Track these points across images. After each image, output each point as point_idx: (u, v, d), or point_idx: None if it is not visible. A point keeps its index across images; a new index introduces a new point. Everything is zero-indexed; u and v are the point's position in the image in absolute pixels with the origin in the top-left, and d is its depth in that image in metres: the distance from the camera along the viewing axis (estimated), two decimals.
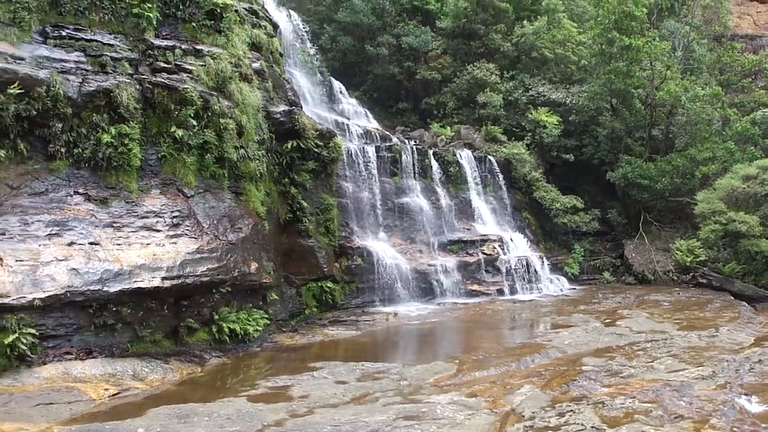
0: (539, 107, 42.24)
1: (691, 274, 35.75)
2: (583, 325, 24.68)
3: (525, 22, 45.86)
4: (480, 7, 45.76)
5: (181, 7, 23.98)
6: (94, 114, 20.43)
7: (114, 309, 18.88)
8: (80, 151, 19.99)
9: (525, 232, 38.51)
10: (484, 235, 35.39)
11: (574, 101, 42.57)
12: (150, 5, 22.78)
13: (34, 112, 18.95)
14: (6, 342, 16.71)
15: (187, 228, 21.28)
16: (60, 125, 19.64)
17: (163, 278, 19.62)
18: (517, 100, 43.19)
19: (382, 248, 31.31)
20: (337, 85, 40.52)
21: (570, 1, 50.21)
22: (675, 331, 23.44)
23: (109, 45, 21.64)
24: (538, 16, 46.09)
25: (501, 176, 39.23)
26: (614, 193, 41.63)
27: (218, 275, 21.25)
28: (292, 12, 38.38)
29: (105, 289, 18.49)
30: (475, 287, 33.06)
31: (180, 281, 20.03)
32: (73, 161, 19.98)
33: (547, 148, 41.58)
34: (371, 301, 29.69)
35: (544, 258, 36.66)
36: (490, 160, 39.21)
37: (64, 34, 20.85)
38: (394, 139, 36.91)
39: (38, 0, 20.49)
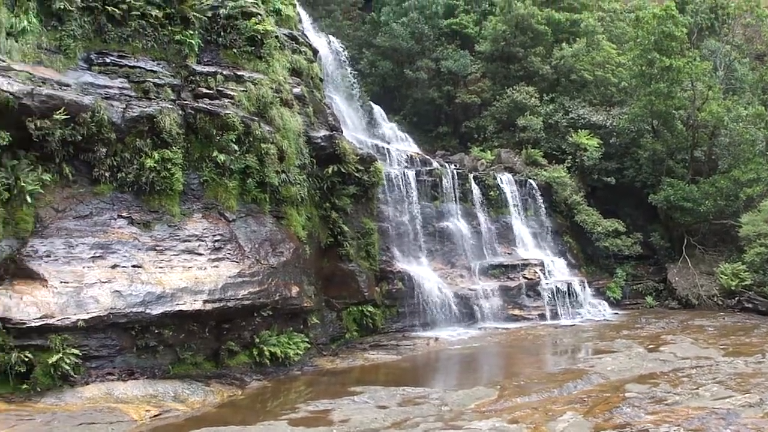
0: (579, 130, 41.98)
1: (736, 298, 35.09)
2: (626, 351, 24.41)
3: (564, 44, 45.75)
4: (518, 30, 45.73)
5: (222, 33, 24.37)
6: (137, 139, 20.82)
7: (156, 331, 19.10)
8: (124, 175, 20.38)
9: (566, 256, 38.23)
10: (525, 260, 35.21)
11: (614, 123, 42.27)
12: (192, 32, 23.19)
13: (80, 137, 19.37)
14: (50, 362, 17.00)
15: (228, 252, 21.49)
16: (104, 150, 20.04)
17: (205, 301, 19.82)
18: (557, 123, 43.01)
19: (423, 272, 31.26)
20: (377, 109, 40.63)
21: (609, 23, 50.00)
22: (720, 357, 23.08)
23: (152, 71, 22.06)
24: (577, 38, 45.96)
25: (542, 200, 39.02)
26: (656, 216, 41.17)
27: (259, 299, 21.39)
28: (331, 37, 38.62)
29: (147, 311, 18.74)
30: (516, 312, 32.87)
31: (221, 305, 20.21)
32: (117, 185, 20.38)
33: (588, 171, 41.32)
34: (412, 325, 29.60)
35: (586, 282, 36.32)
36: (530, 183, 39.06)
37: (108, 60, 21.30)
38: (435, 163, 36.87)
39: (83, 28, 20.98)
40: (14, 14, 19.36)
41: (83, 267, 18.61)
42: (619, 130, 42.02)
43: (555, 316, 33.44)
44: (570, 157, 41.49)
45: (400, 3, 48.62)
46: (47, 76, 19.41)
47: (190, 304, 19.52)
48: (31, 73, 18.90)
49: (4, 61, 18.55)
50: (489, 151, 42.83)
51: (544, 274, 34.49)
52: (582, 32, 46.35)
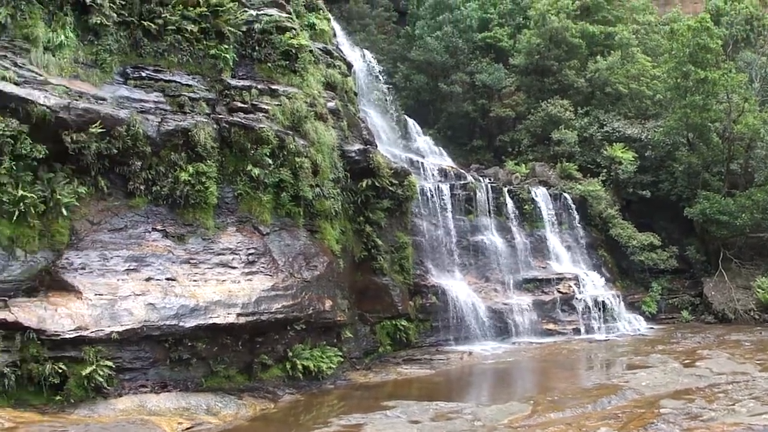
0: (614, 143, 41.73)
1: None
2: (661, 366, 24.14)
3: (598, 57, 45.54)
4: (553, 43, 45.61)
5: (257, 48, 24.50)
6: (172, 153, 20.99)
7: (189, 344, 19.19)
8: (159, 188, 20.54)
9: (601, 270, 37.91)
10: (560, 274, 34.96)
11: (649, 136, 41.98)
12: (227, 46, 23.34)
13: (115, 151, 19.56)
14: (83, 373, 17.10)
15: (262, 265, 21.56)
16: (139, 163, 20.23)
17: (239, 315, 19.89)
18: (592, 137, 42.79)
19: (457, 287, 31.13)
20: (412, 123, 40.68)
21: (643, 35, 49.76)
22: (757, 372, 22.71)
23: (188, 85, 22.24)
24: (612, 51, 45.69)
25: (576, 213, 38.75)
26: (692, 230, 40.70)
27: (293, 312, 21.43)
28: (365, 51, 38.73)
29: (181, 324, 18.84)
30: (551, 326, 32.63)
31: (255, 318, 20.27)
32: (151, 198, 20.54)
33: (623, 184, 41.05)
34: (445, 339, 29.47)
35: (621, 296, 36.01)
36: (565, 197, 38.83)
37: (143, 75, 21.50)
38: (469, 177, 36.81)
39: (119, 42, 21.20)
40: (51, 29, 19.59)
41: (117, 279, 18.75)
42: (654, 143, 41.71)
43: (589, 330, 33.16)
44: (605, 170, 41.23)
45: (435, 17, 48.67)
46: (84, 90, 19.61)
47: (224, 317, 19.59)
48: (67, 87, 19.11)
49: (41, 75, 18.77)
50: (523, 165, 42.66)
51: (578, 288, 34.24)
52: (617, 45, 46.15)
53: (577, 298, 33.68)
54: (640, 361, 25.55)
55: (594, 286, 35.36)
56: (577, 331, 32.87)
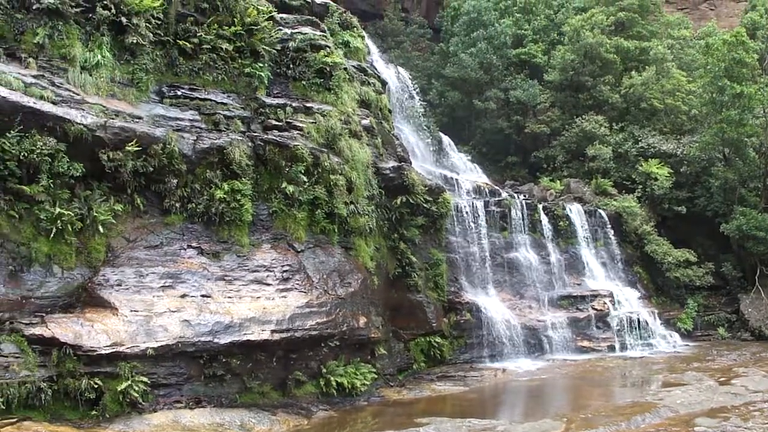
0: (649, 159, 41.48)
1: None
2: (696, 384, 23.90)
3: (633, 72, 45.31)
4: (587, 59, 45.54)
5: (291, 66, 24.74)
6: (207, 170, 21.20)
7: (224, 360, 19.25)
8: (194, 206, 20.73)
9: (636, 286, 37.64)
10: (595, 290, 34.74)
11: (685, 152, 41.60)
12: (262, 65, 23.58)
13: (151, 169, 19.80)
14: (119, 389, 17.26)
15: (297, 282, 21.64)
16: (175, 181, 20.45)
17: (273, 331, 19.95)
18: (627, 152, 42.55)
19: (491, 304, 31.06)
20: (446, 140, 40.71)
21: (678, 50, 49.41)
22: None
23: (223, 104, 22.49)
24: (646, 66, 45.37)
25: (611, 230, 38.53)
26: (728, 246, 40.23)
27: (327, 329, 21.46)
28: (400, 69, 38.84)
29: (215, 340, 18.94)
30: (585, 343, 32.42)
31: (289, 335, 20.32)
32: (187, 216, 20.74)
33: (658, 200, 40.74)
34: (479, 356, 29.36)
35: (656, 313, 35.73)
36: (600, 213, 38.63)
37: (179, 93, 21.80)
38: (504, 194, 36.73)
39: (155, 61, 21.50)
40: (88, 49, 19.96)
41: (153, 296, 18.93)
42: (689, 158, 41.36)
43: (624, 347, 32.91)
44: (640, 186, 40.96)
45: (469, 34, 48.73)
46: (120, 108, 19.90)
47: (258, 333, 19.67)
48: (104, 106, 19.41)
49: (78, 95, 19.08)
50: (558, 181, 42.56)
51: (613, 305, 34.02)
52: (651, 60, 45.86)
53: (612, 315, 33.45)
54: (675, 378, 25.33)
55: (629, 303, 35.11)
56: (611, 348, 32.62)
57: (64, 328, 17.12)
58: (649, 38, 48.40)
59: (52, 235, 17.75)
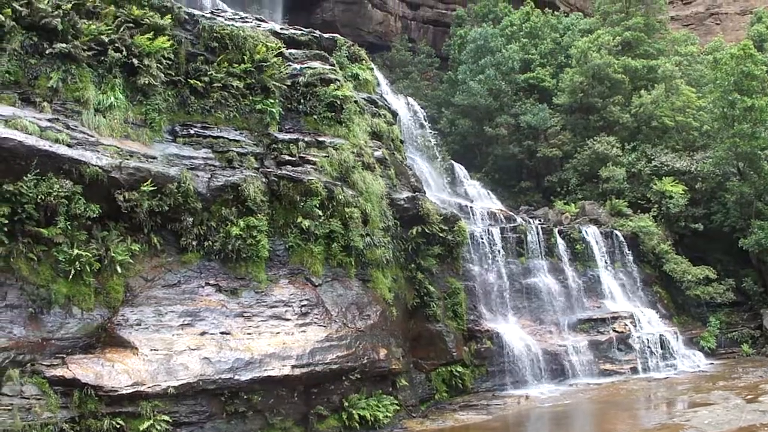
0: (663, 177, 41.35)
1: None
2: (723, 403, 23.69)
3: (642, 91, 45.23)
4: (596, 80, 45.53)
5: (302, 101, 24.89)
6: (223, 208, 21.27)
7: (245, 397, 19.21)
8: (210, 243, 20.78)
9: (656, 306, 37.40)
10: (615, 312, 34.48)
11: (698, 168, 41.48)
12: (273, 101, 23.71)
13: (166, 208, 19.90)
14: (141, 428, 17.26)
15: (315, 316, 21.60)
16: (191, 219, 20.51)
17: (293, 366, 19.90)
18: (641, 172, 42.44)
19: (511, 330, 30.89)
20: (459, 167, 40.73)
21: (686, 67, 49.39)
22: None
23: (235, 141, 22.62)
24: (655, 85, 45.31)
25: (629, 251, 38.37)
26: (748, 261, 39.98)
27: (348, 363, 21.39)
28: (409, 98, 39.01)
29: (236, 377, 18.90)
30: (608, 366, 32.17)
31: (310, 369, 20.27)
32: (203, 253, 20.78)
33: (674, 218, 40.55)
34: (502, 384, 29.15)
35: (678, 333, 35.45)
36: (616, 235, 38.49)
37: (192, 132, 21.93)
38: (519, 220, 36.66)
39: (167, 101, 21.67)
40: (101, 91, 20.15)
41: (172, 334, 18.93)
42: (703, 174, 41.25)
43: (647, 369, 32.63)
44: (655, 205, 40.82)
45: (477, 61, 48.87)
46: (134, 149, 20.01)
47: (279, 369, 19.62)
48: (119, 147, 19.54)
49: (92, 136, 19.21)
50: (573, 204, 42.42)
51: (634, 326, 33.77)
52: (660, 78, 45.81)
53: (633, 337, 33.20)
54: (701, 398, 25.11)
55: (650, 323, 34.87)
56: (634, 370, 32.35)
57: (85, 369, 17.13)
58: (657, 56, 48.43)
59: (70, 277, 17.83)
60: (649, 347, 33.22)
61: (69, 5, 20.09)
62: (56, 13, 19.64)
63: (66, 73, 19.48)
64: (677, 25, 67.75)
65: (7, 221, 17.06)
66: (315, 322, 21.49)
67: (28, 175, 17.37)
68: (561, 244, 36.07)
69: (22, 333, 16.88)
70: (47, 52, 19.33)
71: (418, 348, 27.08)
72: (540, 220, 38.86)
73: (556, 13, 57.23)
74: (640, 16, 48.98)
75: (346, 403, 21.68)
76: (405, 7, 58.29)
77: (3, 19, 18.68)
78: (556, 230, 36.61)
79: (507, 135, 47.44)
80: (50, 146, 17.89)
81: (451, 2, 59.86)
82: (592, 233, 37.58)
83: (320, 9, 52.28)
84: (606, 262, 37.16)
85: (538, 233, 35.28)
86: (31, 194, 17.34)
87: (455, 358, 27.72)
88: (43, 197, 17.47)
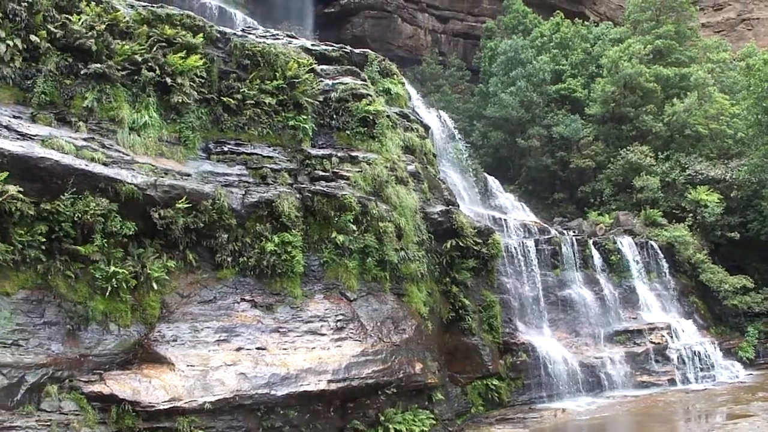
0: (698, 186, 41.08)
1: None
2: (763, 414, 23.39)
3: (675, 100, 45.01)
4: (627, 89, 45.39)
5: (334, 116, 24.96)
6: (257, 224, 21.37)
7: (281, 412, 19.19)
8: (245, 259, 20.86)
9: (693, 317, 37.05)
10: (651, 324, 34.19)
11: (734, 176, 41.10)
12: (305, 117, 23.81)
13: (201, 225, 20.02)
14: None
15: (351, 331, 21.58)
16: (225, 236, 20.62)
17: (329, 381, 19.85)
18: (675, 181, 42.19)
19: (547, 343, 30.72)
20: (492, 180, 40.72)
21: (719, 74, 49.11)
22: None
23: (269, 157, 22.71)
24: (688, 93, 45.02)
25: (664, 261, 38.06)
26: None
27: (383, 377, 21.34)
28: (441, 112, 39.02)
29: (272, 392, 18.88)
30: (645, 378, 31.87)
31: (346, 384, 20.22)
32: (239, 269, 20.86)
33: (710, 227, 40.20)
34: (538, 397, 28.97)
35: (716, 343, 35.06)
36: (651, 245, 38.23)
37: (225, 149, 22.06)
38: (553, 231, 36.51)
39: (201, 119, 21.83)
40: (135, 110, 20.35)
41: (209, 350, 18.98)
42: (739, 182, 40.85)
43: (685, 380, 32.31)
44: (690, 214, 40.53)
45: (508, 73, 48.93)
46: (169, 166, 20.17)
47: (315, 384, 19.60)
48: (153, 165, 19.70)
49: (127, 155, 19.39)
50: (607, 215, 42.25)
51: (671, 337, 33.47)
52: (692, 86, 45.55)
53: (670, 348, 32.90)
54: (740, 410, 24.82)
55: (687, 334, 34.57)
56: (672, 381, 32.01)
57: (122, 385, 17.23)
58: (689, 64, 48.14)
59: (107, 294, 17.97)
60: (686, 358, 32.90)
61: (102, 26, 20.30)
62: (90, 34, 19.87)
63: (101, 93, 19.69)
64: (708, 31, 67.25)
65: (44, 239, 17.25)
66: (350, 337, 21.47)
67: (65, 193, 17.55)
68: (596, 255, 35.86)
69: (60, 349, 17.01)
70: (82, 72, 19.56)
71: (453, 361, 26.98)
72: (574, 232, 38.71)
73: (586, 23, 57.04)
74: (671, 24, 48.73)
75: (382, 418, 21.61)
76: (434, 20, 58.51)
77: (38, 41, 18.97)
78: (590, 241, 36.42)
79: (539, 146, 47.41)
80: (86, 165, 18.10)
81: (480, 15, 59.98)
82: (627, 244, 37.34)
83: (350, 24, 52.62)
84: (641, 273, 36.89)
85: (572, 245, 35.12)
86: (68, 212, 17.52)
87: (491, 371, 27.58)
88: (79, 215, 17.65)
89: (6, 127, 17.51)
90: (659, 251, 38.15)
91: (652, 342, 33.00)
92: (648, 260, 37.73)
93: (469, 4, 60.58)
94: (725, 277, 37.70)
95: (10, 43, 18.50)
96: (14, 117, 18.17)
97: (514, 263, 32.03)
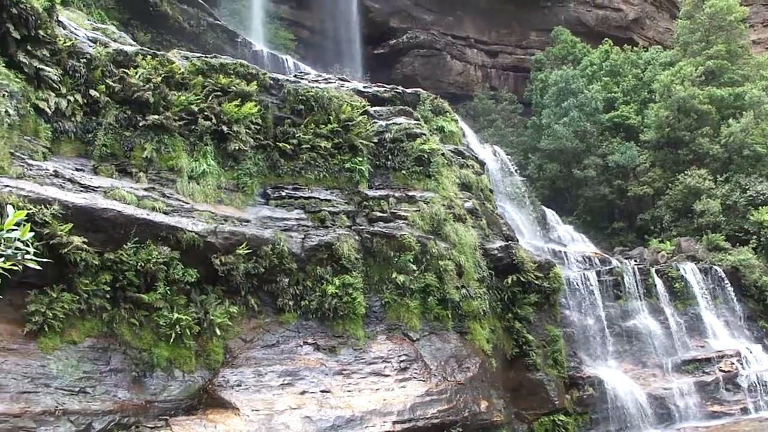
0: (760, 207, 40.32)
1: None
2: None
3: (730, 120, 44.41)
4: (681, 113, 44.89)
5: (389, 156, 25.08)
6: (317, 267, 21.47)
7: None
8: (307, 303, 20.98)
9: (763, 342, 36.17)
10: (720, 351, 33.47)
11: None
12: (361, 159, 23.97)
13: (262, 270, 20.19)
14: None
15: (415, 371, 21.50)
16: (287, 280, 20.77)
17: (395, 422, 19.76)
18: (736, 203, 41.50)
19: (614, 375, 30.21)
20: (550, 212, 40.50)
21: None
22: None
23: (327, 200, 22.87)
24: (743, 112, 44.40)
25: (730, 286, 37.32)
26: None
27: (449, 416, 21.17)
28: (496, 147, 38.98)
29: None
30: (716, 408, 31.14)
31: (411, 425, 20.11)
32: (300, 313, 20.97)
33: None
34: (606, 431, 28.47)
35: None
36: (715, 270, 37.55)
37: (283, 194, 22.30)
38: (614, 262, 36.06)
39: (258, 165, 22.10)
40: (194, 158, 20.69)
41: (273, 394, 19.02)
42: None
43: (759, 408, 31.41)
44: (754, 236, 39.83)
45: (560, 104, 48.78)
46: (228, 213, 20.42)
47: (380, 426, 19.52)
48: (213, 212, 19.96)
49: (187, 203, 19.69)
50: (668, 242, 41.66)
51: (741, 364, 32.70)
52: (747, 105, 44.94)
53: (741, 375, 32.13)
54: None
55: (758, 360, 33.72)
56: (745, 410, 31.19)
57: (187, 430, 17.29)
58: (742, 83, 47.54)
59: (171, 340, 18.18)
60: (759, 385, 32.09)
61: (159, 78, 20.77)
62: (147, 86, 20.33)
63: (159, 143, 20.11)
64: (760, 48, 66.48)
65: (109, 288, 17.57)
66: (414, 377, 21.38)
67: (128, 243, 17.86)
68: (659, 283, 35.31)
69: (126, 396, 17.21)
70: (141, 124, 20.01)
71: (519, 398, 26.64)
72: (636, 261, 38.19)
73: (635, 48, 56.68)
74: (721, 44, 48.27)
75: None
76: (484, 55, 58.70)
77: (98, 95, 19.47)
78: (653, 270, 35.88)
79: (596, 176, 47.04)
80: (148, 214, 18.40)
81: (529, 47, 60.04)
82: (690, 270, 36.73)
83: (400, 64, 53.03)
84: (707, 299, 36.21)
85: (634, 274, 34.63)
86: (131, 261, 17.82)
87: (557, 406, 27.17)
88: (142, 264, 17.94)
89: (69, 179, 17.92)
90: (724, 276, 37.44)
91: (721, 370, 32.28)
92: (713, 286, 37.05)
93: (517, 37, 60.67)
94: None
95: (71, 98, 19.02)
96: (77, 170, 18.63)
97: (576, 296, 31.69)
